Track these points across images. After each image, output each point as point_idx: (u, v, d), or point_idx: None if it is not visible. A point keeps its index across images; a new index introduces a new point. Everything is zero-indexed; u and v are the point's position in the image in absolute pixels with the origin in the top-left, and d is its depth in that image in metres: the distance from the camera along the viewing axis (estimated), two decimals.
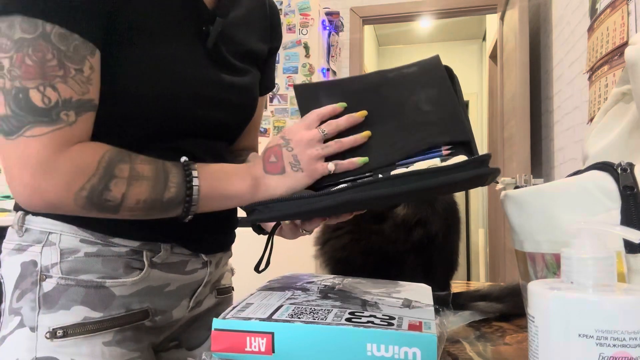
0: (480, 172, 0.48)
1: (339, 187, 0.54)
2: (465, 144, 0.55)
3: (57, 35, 0.51)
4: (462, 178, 0.48)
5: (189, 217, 0.60)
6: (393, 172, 0.52)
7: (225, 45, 0.69)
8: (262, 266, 0.64)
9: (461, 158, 0.50)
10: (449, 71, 0.63)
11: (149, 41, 0.60)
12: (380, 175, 0.53)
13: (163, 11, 0.61)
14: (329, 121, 0.59)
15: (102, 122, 0.61)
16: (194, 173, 0.59)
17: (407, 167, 0.56)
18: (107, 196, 0.55)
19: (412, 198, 0.70)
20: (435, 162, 0.51)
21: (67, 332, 0.60)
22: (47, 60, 0.51)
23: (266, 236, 0.68)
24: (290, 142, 0.59)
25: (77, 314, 0.61)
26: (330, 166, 0.57)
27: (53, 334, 0.60)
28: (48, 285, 0.61)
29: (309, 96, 0.65)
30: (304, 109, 0.65)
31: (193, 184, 0.59)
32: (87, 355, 0.60)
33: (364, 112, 0.59)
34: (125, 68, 0.59)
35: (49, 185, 0.53)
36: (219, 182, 0.60)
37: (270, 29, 0.83)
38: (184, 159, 0.61)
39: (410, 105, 0.59)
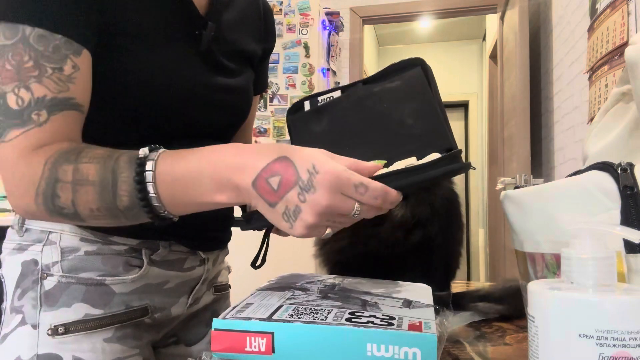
0: (453, 167, 0.50)
1: None
2: (449, 150, 0.56)
3: (36, 37, 0.51)
4: (437, 174, 0.50)
5: (173, 219, 0.53)
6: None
7: (218, 47, 0.70)
8: (258, 262, 0.64)
9: (435, 155, 0.52)
10: (424, 67, 0.63)
11: (142, 47, 0.60)
12: None
13: (155, 17, 0.61)
14: (371, 204, 0.45)
15: (100, 126, 0.61)
16: (148, 177, 0.48)
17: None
18: (59, 203, 0.50)
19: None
20: (412, 160, 0.53)
21: (69, 328, 0.61)
22: (23, 62, 0.51)
23: (258, 232, 0.69)
24: (311, 193, 0.44)
25: (78, 311, 0.62)
26: (327, 235, 0.47)
27: (55, 331, 0.60)
28: (49, 283, 0.62)
29: (299, 126, 0.65)
30: (295, 135, 0.65)
31: (149, 193, 0.49)
32: (88, 352, 0.61)
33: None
34: (120, 74, 0.59)
35: (17, 192, 0.52)
36: (187, 189, 0.49)
37: (264, 29, 0.83)
38: (142, 152, 0.50)
39: (394, 119, 0.60)
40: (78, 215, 0.51)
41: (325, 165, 0.44)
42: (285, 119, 3.20)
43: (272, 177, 0.45)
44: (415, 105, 0.59)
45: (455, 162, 0.50)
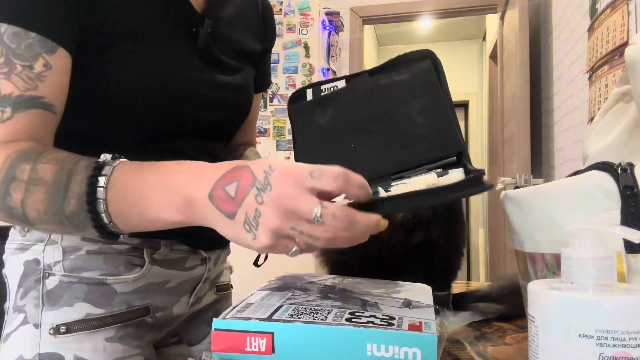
0: (476, 190, 0.49)
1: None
2: (459, 154, 0.56)
3: (10, 34, 0.51)
4: (460, 197, 0.49)
5: (119, 236, 0.51)
6: (393, 187, 0.51)
7: (217, 44, 0.70)
8: (261, 261, 0.64)
9: (457, 173, 0.51)
10: (434, 60, 0.62)
11: (137, 45, 0.60)
12: (380, 191, 0.52)
13: (150, 15, 0.61)
14: (336, 208, 0.41)
15: (98, 126, 0.61)
16: (101, 181, 0.46)
17: (404, 181, 0.55)
18: (10, 202, 0.49)
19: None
20: (431, 176, 0.51)
21: (70, 328, 0.61)
22: None
23: None
24: (268, 192, 0.42)
25: (79, 310, 0.62)
26: (295, 252, 0.44)
27: (56, 330, 0.61)
28: (51, 282, 0.62)
29: (301, 116, 0.64)
30: (297, 127, 0.63)
31: (97, 196, 0.46)
32: (90, 351, 0.61)
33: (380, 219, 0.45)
34: (115, 72, 0.59)
35: None
36: (134, 199, 0.47)
37: (263, 26, 0.83)
38: (103, 157, 0.48)
39: (403, 116, 0.58)
40: (26, 217, 0.50)
41: (281, 164, 0.43)
42: (285, 118, 3.17)
43: (229, 185, 0.43)
44: (425, 102, 0.58)
45: (478, 184, 0.49)
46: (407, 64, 0.63)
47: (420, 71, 0.61)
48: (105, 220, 0.48)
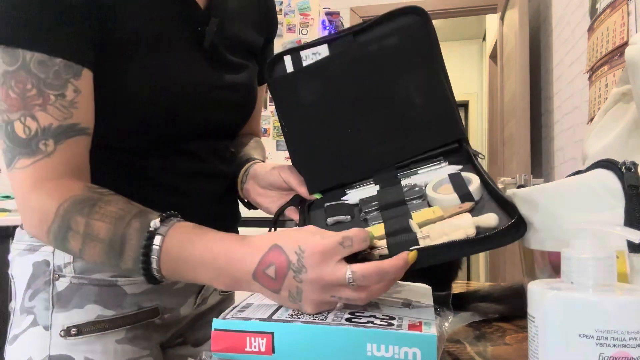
0: (515, 238, 0.47)
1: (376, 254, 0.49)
2: (459, 140, 0.55)
3: (36, 63, 0.51)
4: (499, 246, 0.47)
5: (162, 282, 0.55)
6: (427, 234, 0.48)
7: (221, 42, 0.69)
8: None
9: (491, 217, 0.48)
10: (423, 17, 0.57)
11: (146, 52, 0.60)
12: (417, 234, 0.49)
13: (158, 21, 0.61)
14: (364, 268, 0.44)
15: (109, 131, 0.61)
16: (154, 252, 0.50)
17: (409, 175, 0.54)
18: (69, 247, 0.53)
19: None
20: (466, 220, 0.48)
21: (81, 330, 0.61)
22: (27, 90, 0.51)
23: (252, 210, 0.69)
24: (304, 273, 0.45)
25: (90, 312, 0.62)
26: (339, 307, 0.47)
27: (67, 332, 0.61)
28: (61, 284, 0.62)
29: (285, 92, 0.58)
30: (282, 106, 0.58)
31: (152, 264, 0.50)
32: (100, 353, 0.61)
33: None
34: (125, 80, 0.59)
35: (28, 220, 0.55)
36: (187, 271, 0.51)
37: (264, 16, 0.81)
38: (153, 225, 0.50)
39: (400, 95, 0.55)
40: (82, 259, 0.56)
41: (310, 242, 0.45)
42: None
43: (268, 268, 0.46)
44: (420, 77, 0.54)
45: (518, 231, 0.47)
46: (394, 23, 0.57)
47: (410, 33, 0.56)
48: (157, 278, 0.51)
